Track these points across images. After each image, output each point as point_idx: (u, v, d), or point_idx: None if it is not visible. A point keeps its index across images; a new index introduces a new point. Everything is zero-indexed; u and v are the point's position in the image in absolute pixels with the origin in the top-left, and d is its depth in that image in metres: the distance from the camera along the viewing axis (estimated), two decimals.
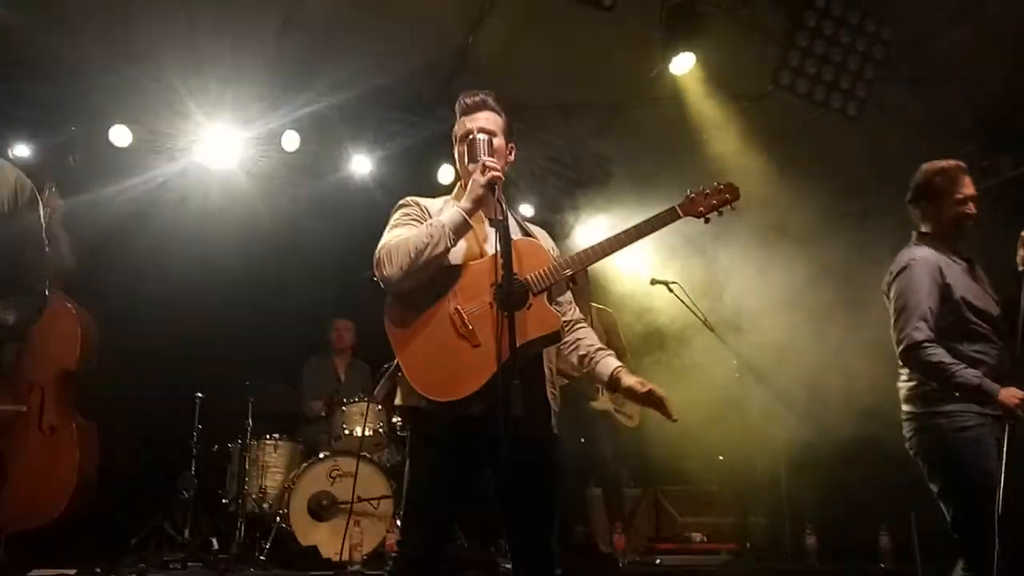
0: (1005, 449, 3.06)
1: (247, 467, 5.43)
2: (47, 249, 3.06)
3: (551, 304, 2.75)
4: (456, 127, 2.89)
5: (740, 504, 5.51)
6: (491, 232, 2.72)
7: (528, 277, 2.67)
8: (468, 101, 2.87)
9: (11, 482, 2.93)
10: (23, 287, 2.96)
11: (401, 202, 2.86)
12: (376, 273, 2.67)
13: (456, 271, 2.71)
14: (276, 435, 5.66)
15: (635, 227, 2.73)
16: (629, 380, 2.75)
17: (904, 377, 3.38)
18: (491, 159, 2.69)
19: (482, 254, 2.73)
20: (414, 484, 2.70)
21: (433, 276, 2.66)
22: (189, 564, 4.91)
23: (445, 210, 2.75)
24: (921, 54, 5.18)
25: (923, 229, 3.49)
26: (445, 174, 6.19)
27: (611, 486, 5.58)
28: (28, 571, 4.31)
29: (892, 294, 3.37)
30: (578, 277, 5.48)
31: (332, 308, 6.24)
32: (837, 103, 5.21)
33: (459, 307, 2.65)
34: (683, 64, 5.23)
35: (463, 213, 2.68)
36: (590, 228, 6.15)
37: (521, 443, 2.42)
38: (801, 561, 5.40)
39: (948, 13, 4.97)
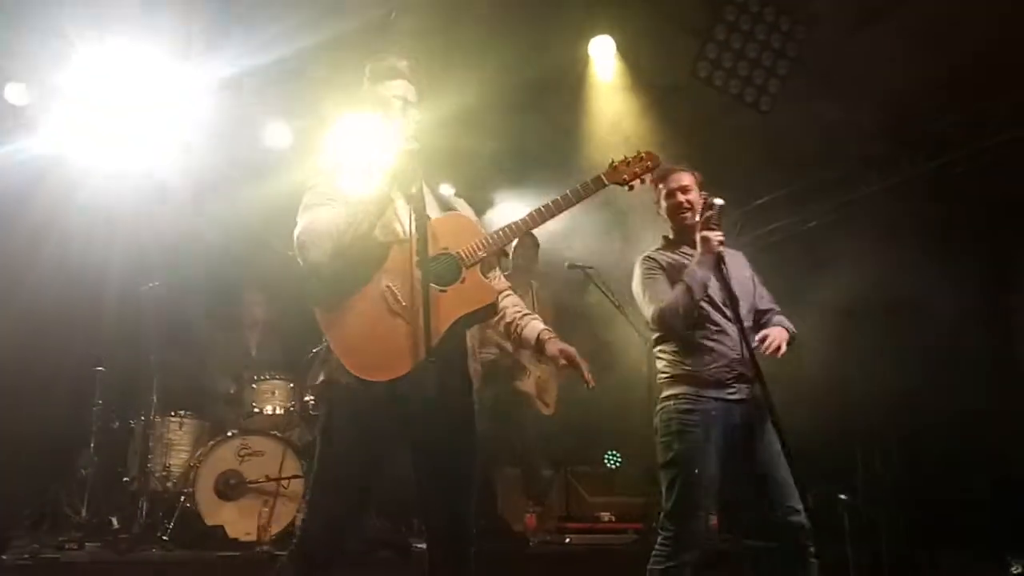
0: None
1: (151, 444, 5.10)
2: None
3: (485, 277, 2.63)
4: (372, 88, 2.72)
5: (647, 484, 5.48)
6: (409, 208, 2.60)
7: (460, 251, 2.56)
8: (387, 64, 2.72)
9: None
10: None
11: (310, 183, 2.69)
12: (300, 257, 2.51)
13: (385, 249, 2.58)
14: (182, 412, 5.33)
15: (563, 196, 2.66)
16: (553, 346, 2.69)
17: (659, 370, 3.52)
18: (413, 140, 2.54)
19: (407, 231, 2.59)
20: (327, 458, 2.56)
21: (360, 254, 2.52)
22: (87, 544, 4.59)
23: (355, 183, 2.59)
24: (831, 53, 5.18)
25: (667, 235, 3.61)
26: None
27: (529, 467, 5.48)
28: None
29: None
30: (525, 253, 5.45)
31: (243, 280, 5.89)
32: (751, 97, 5.20)
33: (390, 284, 2.54)
34: (602, 48, 5.13)
35: (385, 187, 2.53)
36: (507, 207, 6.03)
37: (439, 420, 2.41)
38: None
39: (859, 14, 4.97)
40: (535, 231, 5.46)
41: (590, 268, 5.21)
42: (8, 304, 4.94)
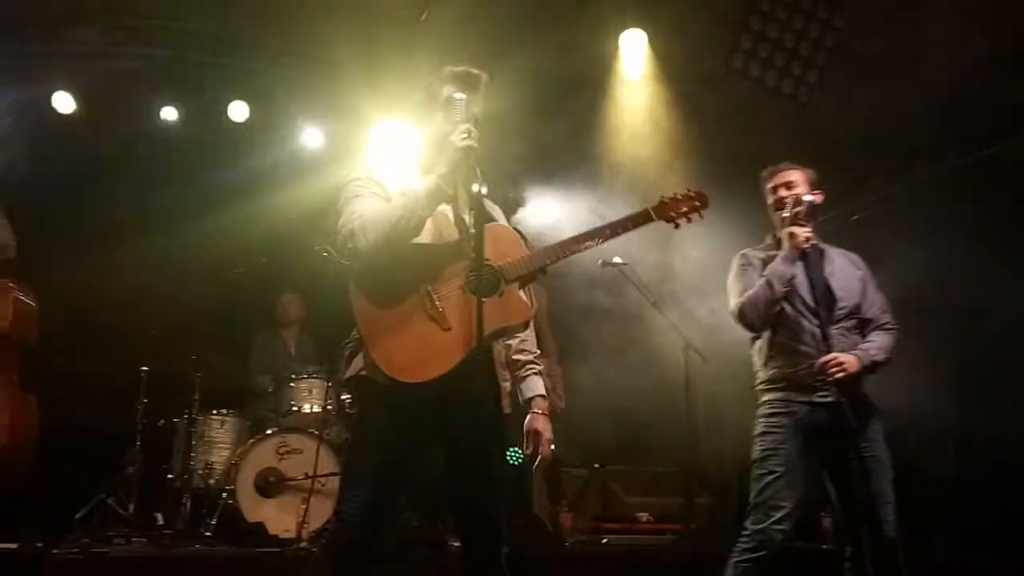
0: None
1: (193, 443, 5.17)
2: None
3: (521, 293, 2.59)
4: (439, 91, 2.65)
5: (686, 485, 5.36)
6: (452, 207, 2.60)
7: (502, 264, 2.50)
8: (465, 72, 2.64)
9: None
10: None
11: (353, 175, 2.67)
12: (348, 245, 2.47)
13: (427, 251, 2.55)
14: (223, 410, 5.41)
15: (609, 225, 2.62)
16: (534, 422, 2.73)
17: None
18: (471, 127, 2.49)
19: (454, 233, 2.59)
20: (358, 453, 2.57)
21: (403, 254, 2.49)
22: (134, 539, 4.68)
23: (403, 180, 2.60)
24: (872, 41, 4.99)
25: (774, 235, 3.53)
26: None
27: (549, 467, 5.41)
28: None
29: None
30: None
31: (280, 281, 5.94)
32: (789, 88, 5.04)
33: (430, 289, 2.50)
34: (633, 41, 5.03)
35: (439, 181, 2.48)
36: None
37: (470, 424, 2.44)
38: None
39: (899, 2, 4.78)
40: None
41: (624, 265, 5.11)
42: (57, 308, 5.05)
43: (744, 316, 3.34)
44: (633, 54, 5.17)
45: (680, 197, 2.69)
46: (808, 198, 3.29)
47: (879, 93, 4.96)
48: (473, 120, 2.55)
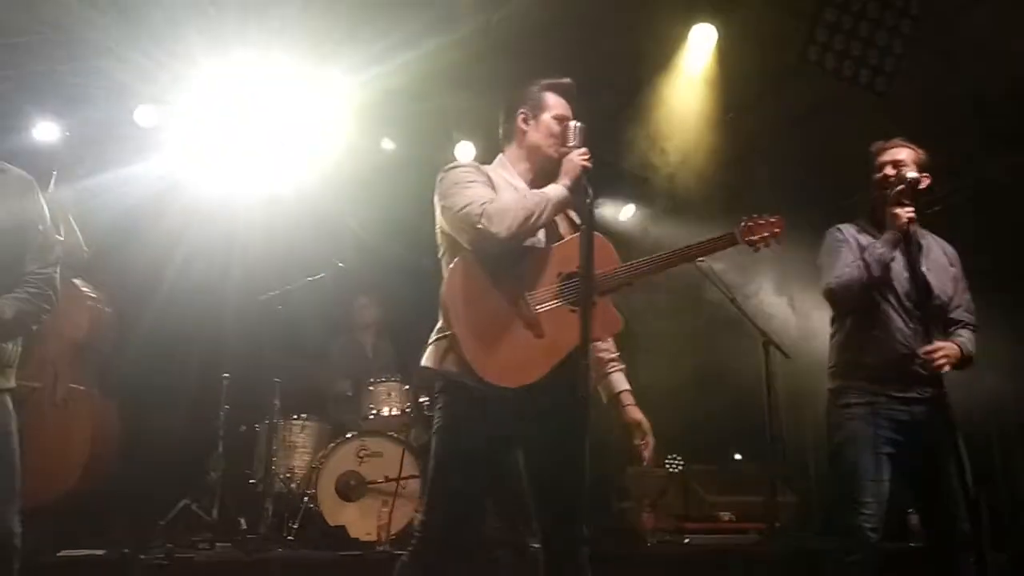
0: None
1: (275, 447, 5.12)
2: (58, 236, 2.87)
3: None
4: (545, 101, 2.73)
5: (769, 483, 5.18)
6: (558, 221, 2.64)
7: (597, 275, 2.43)
8: (566, 82, 2.76)
9: (26, 456, 2.67)
10: (28, 274, 2.76)
11: (452, 164, 2.68)
12: (478, 228, 2.45)
13: (526, 253, 2.55)
14: (303, 415, 5.38)
15: (698, 244, 2.68)
16: (632, 413, 2.72)
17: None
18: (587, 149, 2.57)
19: (547, 239, 2.60)
20: (445, 460, 2.51)
21: (506, 255, 2.48)
22: (217, 544, 4.66)
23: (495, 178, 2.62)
24: (951, 28, 4.80)
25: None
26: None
27: (645, 467, 5.27)
28: (56, 553, 4.06)
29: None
30: None
31: (356, 285, 5.88)
32: (865, 78, 4.85)
33: (527, 293, 2.51)
34: (704, 37, 4.91)
35: (566, 191, 2.53)
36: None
37: (554, 429, 2.42)
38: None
39: None
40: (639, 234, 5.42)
41: (701, 260, 4.94)
42: (140, 319, 5.05)
43: (836, 297, 3.19)
44: (702, 50, 5.03)
45: (762, 222, 2.70)
46: (912, 175, 3.10)
47: (958, 80, 4.79)
48: (582, 135, 2.60)
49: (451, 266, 2.54)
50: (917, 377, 3.07)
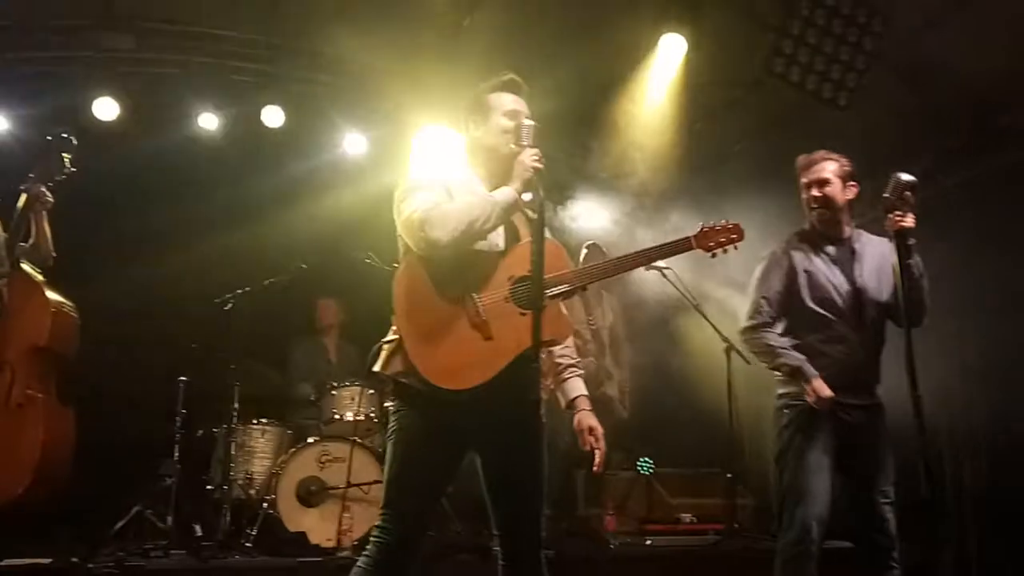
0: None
1: (233, 452, 4.92)
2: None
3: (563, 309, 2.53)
4: (493, 98, 2.65)
5: (729, 486, 5.19)
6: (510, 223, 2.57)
7: (547, 279, 2.38)
8: (514, 79, 2.67)
9: None
10: None
11: (418, 172, 2.65)
12: (421, 234, 2.40)
13: (475, 258, 2.50)
14: (263, 420, 5.16)
15: (652, 249, 2.66)
16: (585, 419, 2.68)
17: None
18: (536, 149, 2.49)
19: (500, 242, 2.56)
20: (397, 463, 2.49)
21: (454, 258, 2.43)
22: (171, 552, 4.44)
23: (458, 177, 2.58)
24: (911, 46, 4.85)
25: (804, 226, 3.41)
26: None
27: (608, 470, 5.25)
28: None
29: None
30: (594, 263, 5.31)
31: (318, 288, 5.69)
32: (828, 93, 4.87)
33: (476, 296, 2.46)
34: (672, 46, 4.87)
35: (516, 194, 2.48)
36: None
37: (507, 433, 2.42)
38: None
39: (940, 5, 4.65)
40: (606, 243, 5.38)
41: (667, 268, 4.93)
42: (95, 319, 4.80)
43: (743, 342, 3.42)
44: (671, 58, 4.98)
45: (719, 228, 2.68)
46: (908, 177, 2.88)
47: (916, 96, 4.84)
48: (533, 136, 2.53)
49: (399, 269, 2.52)
50: (859, 386, 3.17)
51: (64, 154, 3.92)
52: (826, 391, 3.09)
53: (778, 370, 3.26)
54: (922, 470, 2.84)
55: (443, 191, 2.52)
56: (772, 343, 3.25)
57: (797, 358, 3.18)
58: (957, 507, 5.31)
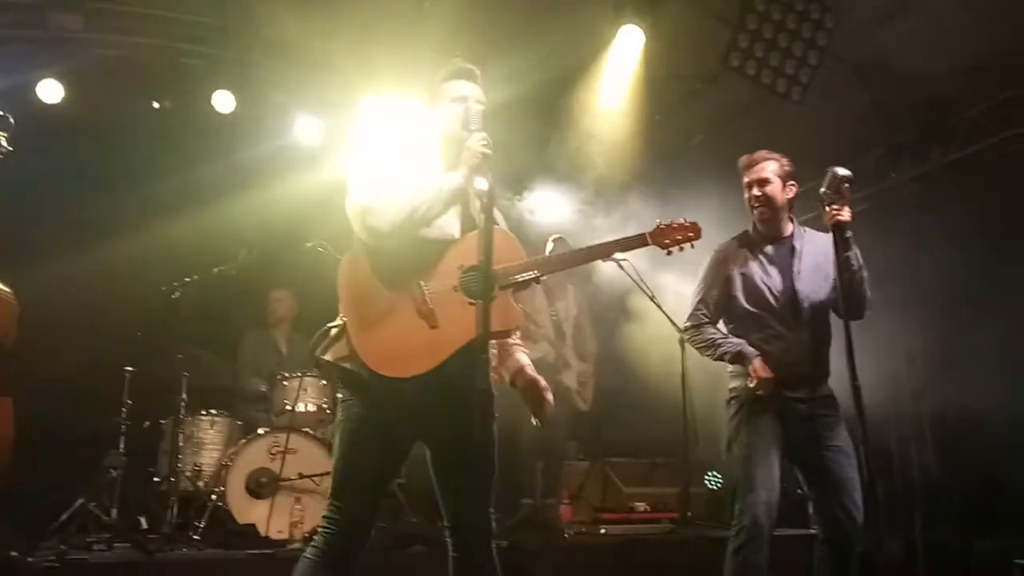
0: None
1: (181, 444, 4.80)
2: None
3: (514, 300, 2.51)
4: (444, 86, 2.64)
5: (683, 475, 5.22)
6: (457, 209, 2.53)
7: (498, 269, 2.38)
8: (464, 66, 2.65)
9: None
10: None
11: (363, 156, 2.55)
12: (359, 224, 2.39)
13: (424, 245, 2.44)
14: (213, 411, 5.05)
15: (606, 244, 2.66)
16: (527, 374, 2.65)
17: None
18: (485, 134, 2.49)
19: (453, 231, 2.52)
20: (343, 451, 2.47)
21: (402, 245, 2.40)
22: (116, 545, 4.31)
23: (412, 163, 2.51)
24: (862, 43, 4.91)
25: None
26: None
27: (552, 460, 5.23)
28: None
29: None
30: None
31: (269, 279, 5.58)
32: (782, 87, 4.90)
33: (423, 284, 2.43)
34: (630, 39, 4.87)
35: (463, 179, 2.44)
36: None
37: (455, 423, 2.38)
38: None
39: (890, 3, 4.71)
40: (565, 234, 5.37)
41: (624, 260, 4.92)
42: (37, 307, 4.64)
43: (686, 339, 3.55)
44: (629, 52, 4.98)
45: (676, 226, 2.67)
46: (843, 171, 3.01)
47: (867, 92, 4.90)
48: (486, 125, 2.52)
49: (347, 256, 2.49)
50: (800, 381, 3.22)
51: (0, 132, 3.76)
52: (765, 372, 3.17)
53: (722, 359, 3.33)
54: (863, 458, 2.92)
55: (392, 175, 2.48)
56: (710, 336, 3.38)
57: (736, 343, 3.29)
58: (905, 493, 5.41)
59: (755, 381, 3.18)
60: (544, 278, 2.64)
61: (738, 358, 3.26)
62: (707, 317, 3.41)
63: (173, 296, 4.87)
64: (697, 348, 3.47)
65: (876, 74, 4.94)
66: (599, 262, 4.93)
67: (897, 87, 4.92)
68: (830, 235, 3.11)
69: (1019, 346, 5.09)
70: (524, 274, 2.49)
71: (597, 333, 5.45)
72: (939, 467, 5.33)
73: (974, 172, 5.15)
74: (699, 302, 3.43)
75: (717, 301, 3.40)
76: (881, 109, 5.03)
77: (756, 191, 3.31)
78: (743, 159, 3.39)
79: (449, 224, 2.50)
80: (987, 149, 5.07)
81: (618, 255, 4.89)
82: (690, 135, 5.21)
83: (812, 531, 4.82)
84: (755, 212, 3.34)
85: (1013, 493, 5.00)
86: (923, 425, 5.41)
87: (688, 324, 3.47)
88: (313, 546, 2.44)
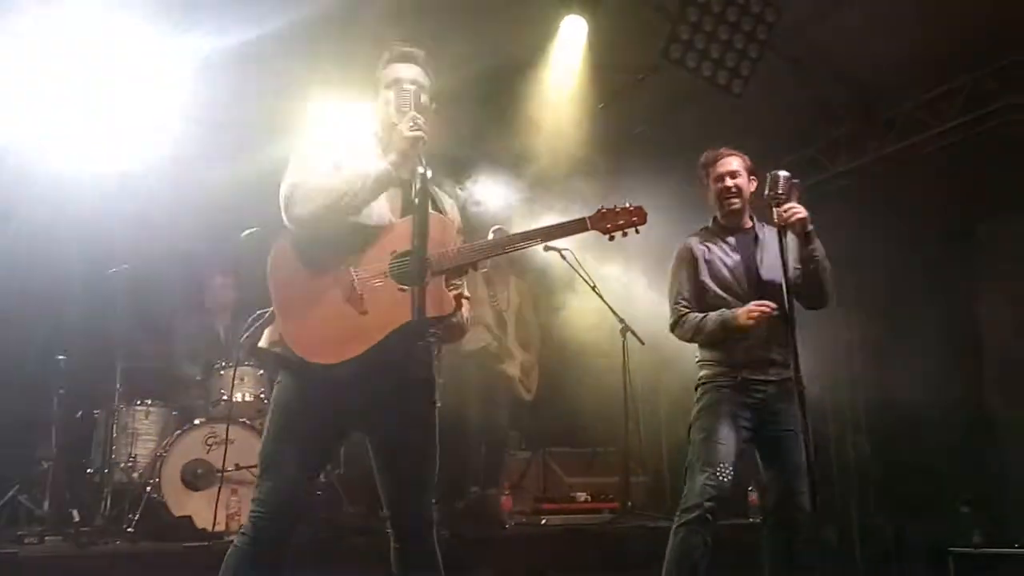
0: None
1: (115, 435, 4.68)
2: None
3: (447, 286, 2.44)
4: (382, 71, 2.58)
5: (623, 464, 5.25)
6: (398, 194, 2.49)
7: (431, 255, 2.32)
8: (403, 50, 2.58)
9: None
10: None
11: (300, 148, 2.52)
12: (283, 213, 2.35)
13: (358, 231, 2.40)
14: (148, 400, 4.92)
15: (543, 229, 2.57)
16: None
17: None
18: (420, 116, 2.40)
19: (389, 218, 2.46)
20: (272, 436, 2.42)
21: (339, 231, 2.37)
22: (47, 538, 4.23)
23: (350, 151, 2.47)
24: (802, 37, 4.96)
25: (713, 216, 3.50)
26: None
27: (495, 449, 5.23)
28: None
29: None
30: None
31: (209, 263, 5.43)
32: (723, 80, 4.92)
33: (354, 270, 2.39)
34: (573, 29, 4.85)
35: (390, 168, 2.39)
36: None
37: (391, 411, 2.37)
38: None
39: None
40: (507, 224, 5.33)
41: (566, 250, 4.92)
42: None
43: (676, 334, 3.43)
44: (573, 42, 4.96)
45: (619, 210, 2.57)
46: (784, 173, 3.11)
47: (805, 86, 4.95)
48: (421, 107, 2.45)
49: (278, 240, 2.45)
50: (765, 363, 3.25)
51: None
52: (756, 308, 3.17)
53: (713, 335, 3.30)
54: (803, 444, 2.95)
55: (327, 165, 2.44)
56: (693, 321, 3.34)
57: (714, 316, 3.28)
58: (841, 479, 5.51)
59: (747, 320, 3.17)
60: (483, 267, 2.61)
61: (726, 325, 3.25)
62: (688, 308, 3.40)
63: (108, 282, 4.75)
64: (688, 338, 3.42)
65: (814, 68, 5.00)
66: (541, 252, 4.95)
67: (835, 81, 4.98)
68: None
69: (954, 337, 5.22)
70: (458, 260, 2.44)
71: (539, 323, 5.46)
72: (874, 454, 5.44)
73: (911, 165, 5.25)
74: (678, 296, 3.42)
75: (692, 290, 3.41)
76: (819, 102, 5.08)
77: (729, 182, 3.35)
78: (709, 154, 3.43)
79: (385, 211, 2.45)
80: (923, 142, 5.16)
81: (559, 243, 4.96)
82: (633, 125, 5.20)
83: (752, 520, 4.96)
84: (726, 203, 3.37)
85: (946, 479, 5.13)
86: (859, 413, 5.51)
87: (672, 320, 3.45)
88: (242, 533, 2.40)
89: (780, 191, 3.03)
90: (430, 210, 2.44)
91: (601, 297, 5.02)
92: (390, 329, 2.32)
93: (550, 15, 4.92)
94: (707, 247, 3.41)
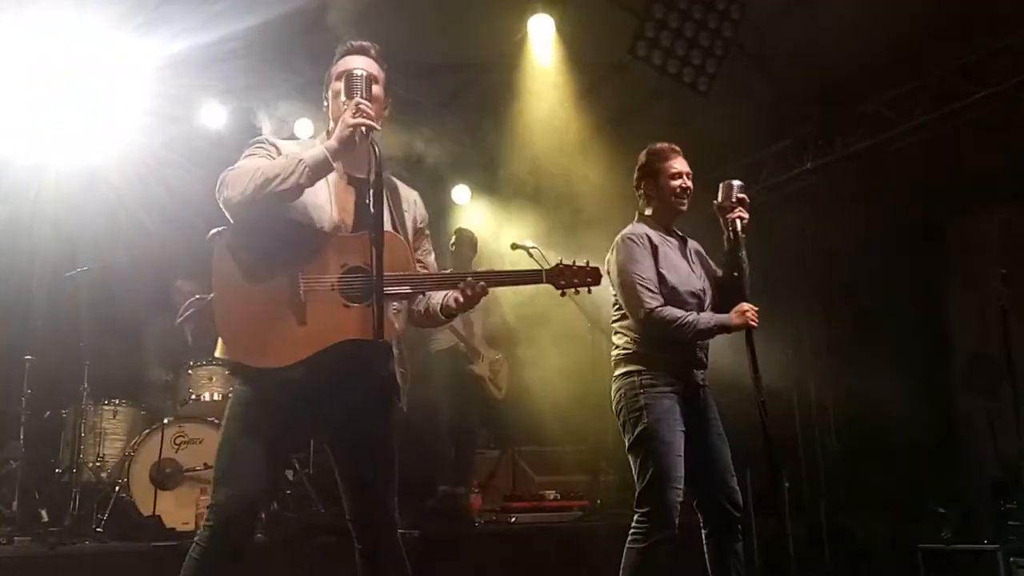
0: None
1: (83, 434, 4.65)
2: None
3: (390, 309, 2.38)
4: (333, 68, 2.50)
5: (592, 463, 5.25)
6: (351, 198, 2.41)
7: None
8: (354, 44, 2.51)
9: None
10: None
11: (255, 139, 2.45)
12: (218, 196, 2.27)
13: (308, 235, 2.32)
14: (116, 400, 4.88)
15: (499, 273, 2.55)
16: (453, 291, 2.44)
17: (616, 345, 3.27)
18: (366, 102, 2.27)
19: (341, 221, 2.38)
20: (227, 440, 2.35)
21: (282, 232, 2.28)
22: (16, 538, 4.20)
23: (300, 146, 2.38)
24: (767, 34, 4.95)
25: (646, 212, 3.35)
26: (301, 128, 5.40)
27: (464, 448, 5.23)
28: None
29: (613, 270, 3.23)
30: (463, 254, 5.31)
31: (177, 266, 5.40)
32: (689, 77, 4.92)
33: (301, 276, 2.29)
34: (541, 28, 4.83)
35: (327, 152, 2.25)
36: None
37: (358, 413, 2.33)
38: None
39: None
40: (471, 227, 5.34)
41: (533, 247, 4.89)
42: None
43: (653, 327, 3.11)
44: (541, 40, 4.94)
45: (576, 268, 2.50)
46: (738, 182, 3.21)
47: (772, 83, 4.94)
48: (373, 96, 2.35)
49: (222, 238, 2.33)
50: (700, 364, 3.20)
51: None
52: (745, 310, 3.10)
53: (702, 336, 3.16)
54: (763, 444, 2.94)
55: (271, 156, 2.35)
56: (675, 315, 3.10)
57: (706, 318, 3.14)
58: (809, 479, 5.52)
59: (744, 319, 3.08)
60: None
61: (721, 326, 3.13)
62: (657, 293, 3.17)
63: (75, 283, 4.73)
64: (663, 331, 3.10)
65: (780, 65, 4.99)
66: (509, 251, 4.94)
67: (800, 78, 4.97)
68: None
69: (920, 335, 5.23)
70: (407, 287, 2.37)
71: (508, 322, 5.44)
72: (842, 454, 5.44)
73: (879, 162, 5.24)
74: (647, 282, 3.14)
75: (653, 280, 3.20)
76: (785, 100, 5.07)
77: (687, 182, 3.26)
78: (665, 146, 3.29)
79: (336, 216, 2.37)
80: (891, 139, 5.15)
81: (528, 242, 4.95)
82: (600, 122, 5.18)
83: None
84: (679, 202, 3.25)
85: (915, 478, 5.14)
86: (828, 413, 5.51)
87: (647, 308, 3.10)
88: (197, 540, 2.33)
89: (730, 200, 3.10)
90: (387, 227, 2.37)
91: (570, 296, 4.98)
92: (331, 343, 2.27)
93: (518, 14, 4.89)
94: (662, 237, 3.26)
